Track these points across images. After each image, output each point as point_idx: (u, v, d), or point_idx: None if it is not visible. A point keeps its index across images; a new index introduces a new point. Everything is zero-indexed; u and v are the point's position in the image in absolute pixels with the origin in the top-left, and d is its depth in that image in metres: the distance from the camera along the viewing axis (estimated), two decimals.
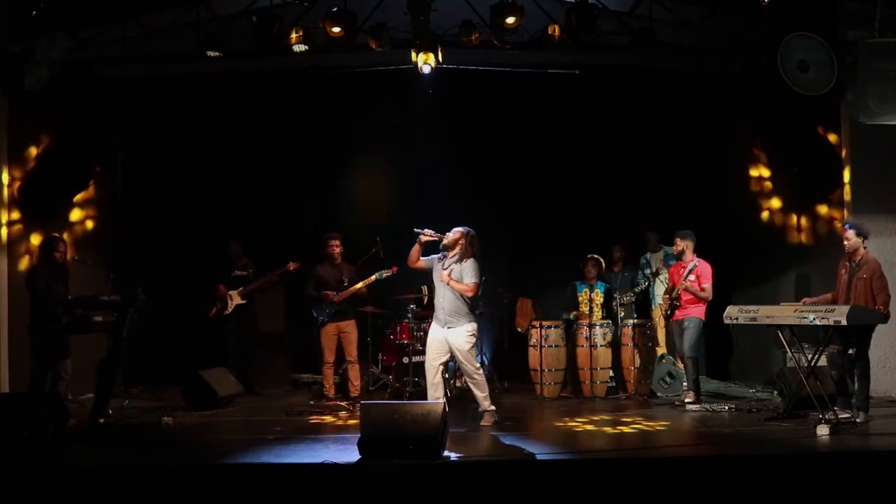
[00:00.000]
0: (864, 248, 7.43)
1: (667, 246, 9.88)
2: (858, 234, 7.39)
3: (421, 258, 7.41)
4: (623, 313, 9.48)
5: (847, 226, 7.49)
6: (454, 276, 7.21)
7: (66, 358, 8.00)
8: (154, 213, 10.71)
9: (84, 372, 8.62)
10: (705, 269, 8.49)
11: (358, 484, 5.56)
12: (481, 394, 7.40)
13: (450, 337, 7.24)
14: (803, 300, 7.70)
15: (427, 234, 7.34)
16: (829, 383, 7.34)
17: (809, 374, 7.11)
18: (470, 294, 7.21)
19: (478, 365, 7.52)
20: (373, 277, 8.91)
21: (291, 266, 9.47)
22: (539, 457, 6.06)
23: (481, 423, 7.29)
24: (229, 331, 9.79)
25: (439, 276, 7.28)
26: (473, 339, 7.30)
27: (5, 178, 8.71)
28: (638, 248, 10.33)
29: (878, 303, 7.20)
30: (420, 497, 5.47)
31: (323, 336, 9.13)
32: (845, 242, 7.42)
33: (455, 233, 7.33)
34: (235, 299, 9.71)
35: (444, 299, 7.26)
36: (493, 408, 7.42)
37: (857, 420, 7.09)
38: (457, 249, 7.28)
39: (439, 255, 7.39)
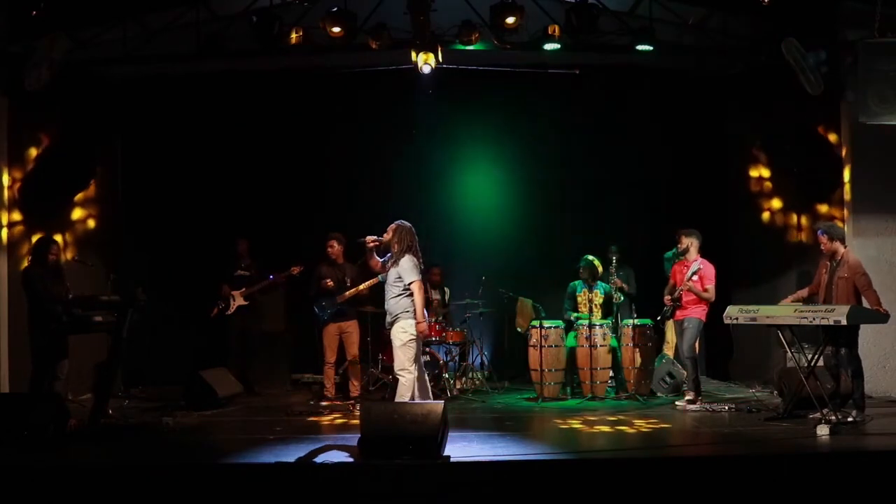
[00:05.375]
0: (844, 247, 7.46)
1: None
2: (831, 239, 7.44)
3: (381, 263, 7.24)
4: (620, 300, 9.47)
5: (819, 231, 7.55)
6: (392, 278, 7.00)
7: (65, 358, 8.00)
8: (154, 212, 10.71)
9: (84, 372, 8.63)
10: (709, 269, 8.49)
11: (358, 484, 5.56)
12: (400, 394, 6.87)
13: (391, 333, 7.02)
14: (783, 300, 7.72)
15: (369, 241, 7.14)
16: (828, 383, 7.34)
17: (809, 374, 7.12)
18: (419, 292, 6.88)
19: (409, 367, 6.86)
20: (376, 279, 8.87)
21: (295, 270, 9.46)
22: (539, 457, 6.06)
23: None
24: (230, 331, 9.79)
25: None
26: (408, 337, 6.87)
27: (5, 178, 8.71)
28: (637, 249, 10.30)
29: (871, 303, 7.21)
30: (420, 497, 5.46)
31: (325, 336, 9.13)
32: (822, 247, 7.49)
33: (387, 231, 7.06)
34: (238, 300, 9.71)
35: (386, 298, 7.08)
36: None
37: (856, 419, 7.09)
38: (393, 249, 7.04)
39: (386, 257, 7.22)
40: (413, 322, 6.93)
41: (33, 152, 9.12)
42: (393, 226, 7.07)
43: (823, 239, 7.46)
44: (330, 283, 9.03)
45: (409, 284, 6.90)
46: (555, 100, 10.77)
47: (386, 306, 7.11)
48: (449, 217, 10.65)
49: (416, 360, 6.99)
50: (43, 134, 9.26)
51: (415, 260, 7.00)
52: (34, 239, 8.88)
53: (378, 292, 9.42)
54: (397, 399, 6.92)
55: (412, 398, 6.88)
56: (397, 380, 9.29)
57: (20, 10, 8.40)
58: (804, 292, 7.69)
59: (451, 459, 5.82)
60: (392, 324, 7.01)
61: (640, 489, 5.54)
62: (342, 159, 11.07)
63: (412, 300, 6.93)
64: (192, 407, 8.41)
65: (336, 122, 10.89)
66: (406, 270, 6.93)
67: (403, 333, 6.91)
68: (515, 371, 10.30)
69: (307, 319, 9.51)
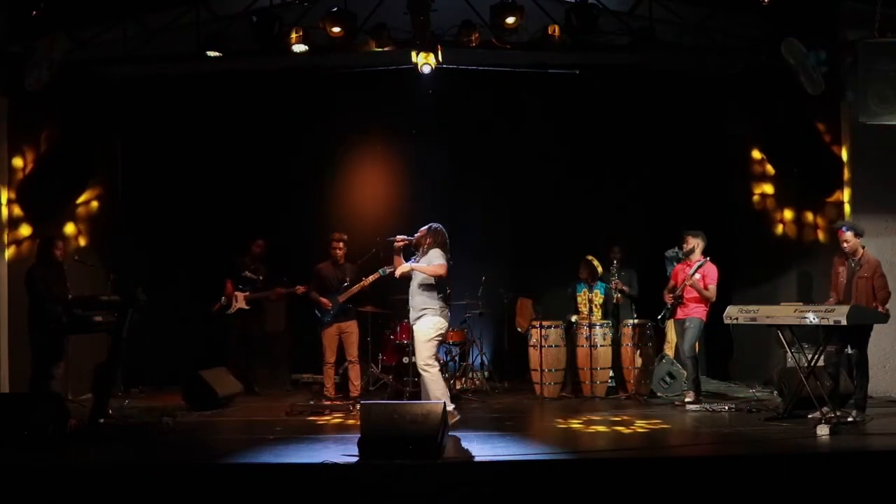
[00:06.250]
0: (863, 247, 7.44)
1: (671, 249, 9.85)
2: (856, 235, 7.39)
3: (405, 265, 7.43)
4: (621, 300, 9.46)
5: (844, 228, 7.47)
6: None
7: (64, 358, 8.00)
8: (154, 212, 10.71)
9: (84, 372, 8.62)
10: (712, 270, 8.50)
11: (358, 484, 5.56)
12: (430, 392, 7.08)
13: (415, 330, 7.23)
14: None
15: (399, 240, 7.42)
16: (827, 382, 7.34)
17: (809, 374, 7.11)
18: (442, 272, 7.13)
19: (432, 362, 7.15)
20: (376, 274, 8.93)
21: (300, 289, 9.42)
22: (539, 457, 6.05)
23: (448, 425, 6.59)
24: (231, 331, 9.77)
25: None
26: (433, 333, 7.14)
27: (6, 177, 8.70)
28: (637, 249, 10.30)
29: (878, 300, 7.21)
30: (420, 497, 5.46)
31: (325, 336, 9.13)
32: (844, 244, 7.41)
33: (420, 232, 7.38)
34: (240, 302, 9.70)
35: (412, 295, 7.28)
36: (450, 407, 7.04)
37: (856, 419, 7.09)
38: (423, 247, 7.32)
39: (413, 257, 7.43)
40: (441, 319, 7.16)
41: (33, 152, 9.12)
42: (425, 227, 7.36)
43: (848, 236, 7.37)
44: (327, 303, 9.05)
45: (437, 263, 7.11)
46: (555, 100, 10.77)
47: (411, 302, 7.29)
48: (449, 217, 10.60)
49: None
50: (43, 134, 9.25)
51: (445, 255, 7.22)
52: (33, 238, 8.90)
53: (379, 292, 9.52)
54: (429, 394, 7.08)
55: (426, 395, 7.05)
56: (398, 379, 9.43)
57: (20, 10, 8.40)
58: (832, 301, 7.56)
59: (451, 459, 5.82)
60: (418, 319, 7.18)
61: (640, 489, 5.54)
62: (342, 159, 11.07)
63: (439, 295, 7.14)
64: (192, 407, 8.41)
65: (335, 122, 10.88)
66: (433, 256, 7.18)
67: (431, 330, 7.13)
68: (515, 371, 10.29)
69: (307, 319, 9.51)
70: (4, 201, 8.68)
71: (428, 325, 7.15)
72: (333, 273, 9.20)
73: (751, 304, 7.52)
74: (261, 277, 9.83)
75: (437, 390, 7.09)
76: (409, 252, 7.46)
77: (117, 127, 10.63)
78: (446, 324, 7.30)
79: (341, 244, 9.25)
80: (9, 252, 8.68)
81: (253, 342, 9.99)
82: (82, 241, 9.73)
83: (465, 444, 6.38)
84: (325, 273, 9.22)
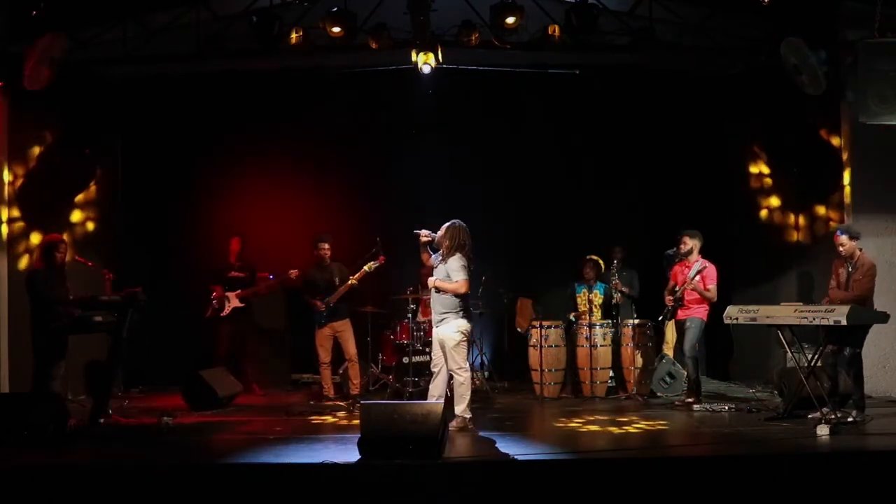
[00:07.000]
0: (860, 250, 7.44)
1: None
2: (852, 238, 7.40)
3: (431, 258, 7.38)
4: (620, 300, 9.46)
5: (839, 232, 7.47)
6: (440, 276, 7.13)
7: (63, 358, 8.00)
8: (154, 212, 10.71)
9: (83, 372, 8.62)
10: (711, 270, 8.49)
11: (358, 484, 5.56)
12: (459, 394, 7.09)
13: (440, 333, 7.13)
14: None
15: (423, 235, 7.34)
16: (826, 382, 7.34)
17: (809, 374, 7.12)
18: (461, 291, 7.02)
19: (465, 365, 7.12)
20: (363, 270, 8.91)
21: (293, 273, 9.39)
22: (539, 457, 6.05)
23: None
24: (226, 332, 9.74)
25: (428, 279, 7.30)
26: (461, 336, 7.05)
27: (5, 177, 8.71)
28: (637, 249, 10.30)
29: (850, 289, 7.26)
30: (420, 497, 5.46)
31: (318, 337, 9.11)
32: (840, 248, 7.41)
33: (440, 230, 7.20)
34: (233, 301, 9.69)
35: (434, 298, 7.19)
36: (467, 415, 7.08)
37: (856, 419, 7.09)
38: (443, 249, 7.19)
39: (435, 256, 7.36)
40: (463, 321, 7.06)
41: (33, 152, 9.13)
42: (445, 225, 7.20)
43: (843, 239, 7.37)
44: (319, 304, 9.03)
45: (457, 281, 7.00)
46: (555, 100, 10.77)
47: (432, 304, 7.23)
48: (448, 217, 10.62)
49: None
50: (43, 134, 9.27)
51: (464, 260, 7.10)
52: (33, 238, 8.91)
53: (378, 292, 9.52)
54: (457, 399, 7.05)
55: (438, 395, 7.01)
56: (397, 379, 9.43)
57: (20, 10, 8.40)
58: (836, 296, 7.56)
59: (451, 459, 5.81)
60: (440, 323, 7.11)
61: (640, 489, 5.54)
62: (341, 159, 11.06)
63: (460, 300, 7.04)
64: (192, 407, 8.41)
65: (335, 122, 10.87)
66: (454, 269, 7.06)
67: (459, 334, 7.05)
68: (515, 371, 10.29)
69: (307, 319, 9.49)
70: (5, 200, 8.68)
71: (451, 329, 7.04)
72: (320, 275, 9.17)
73: (751, 304, 7.52)
74: (247, 273, 9.83)
75: (466, 394, 7.06)
76: (435, 248, 7.34)
77: (117, 127, 10.63)
78: (469, 325, 7.15)
79: (326, 245, 9.22)
80: (9, 252, 8.67)
81: (249, 341, 9.98)
82: (83, 241, 9.72)
83: (465, 444, 6.38)
84: (313, 277, 9.19)
